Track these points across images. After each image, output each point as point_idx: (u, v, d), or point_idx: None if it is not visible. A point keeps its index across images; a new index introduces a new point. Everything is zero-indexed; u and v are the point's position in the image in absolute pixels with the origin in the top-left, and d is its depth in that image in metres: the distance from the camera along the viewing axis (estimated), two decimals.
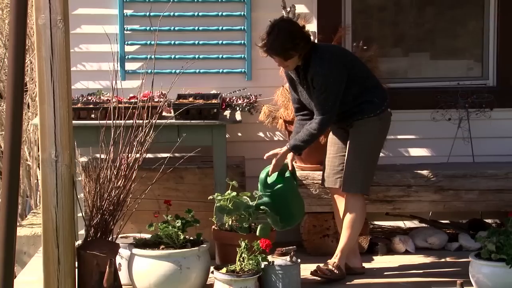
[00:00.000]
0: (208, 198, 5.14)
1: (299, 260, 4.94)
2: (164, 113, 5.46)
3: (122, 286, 4.72)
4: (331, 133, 5.35)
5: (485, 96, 6.18)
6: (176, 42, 6.11)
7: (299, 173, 5.56)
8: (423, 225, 6.17)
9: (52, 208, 4.31)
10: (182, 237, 4.92)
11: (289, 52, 4.98)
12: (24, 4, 4.18)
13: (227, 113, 5.80)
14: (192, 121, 5.37)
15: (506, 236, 4.78)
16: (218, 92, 5.92)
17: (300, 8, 5.94)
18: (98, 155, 4.91)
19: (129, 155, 4.87)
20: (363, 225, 5.36)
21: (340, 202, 5.31)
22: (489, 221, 6.19)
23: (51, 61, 4.24)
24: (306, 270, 5.16)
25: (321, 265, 5.19)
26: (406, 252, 5.88)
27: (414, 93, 6.27)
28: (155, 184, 5.12)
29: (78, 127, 5.12)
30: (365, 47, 5.98)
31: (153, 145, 4.99)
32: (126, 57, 6.10)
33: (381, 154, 5.36)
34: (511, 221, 4.91)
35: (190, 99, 5.64)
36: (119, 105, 5.06)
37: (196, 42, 6.12)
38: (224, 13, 6.10)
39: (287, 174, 5.21)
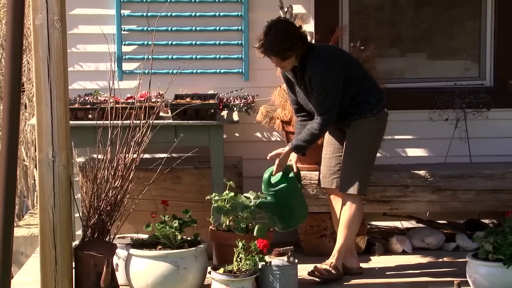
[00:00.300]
0: (206, 199, 5.14)
1: (296, 261, 4.94)
2: (161, 114, 5.45)
3: (119, 286, 4.71)
4: (327, 133, 5.35)
5: (482, 96, 6.18)
6: (174, 43, 6.11)
7: None
8: (420, 225, 6.17)
9: (49, 209, 4.31)
10: (179, 237, 4.92)
11: (287, 52, 4.98)
12: (21, 4, 4.17)
13: (224, 113, 5.80)
14: (189, 121, 5.37)
15: (503, 236, 4.78)
16: (216, 93, 5.92)
17: (297, 9, 5.94)
18: (95, 156, 4.91)
19: (126, 155, 4.86)
20: (360, 225, 5.36)
21: (337, 202, 5.31)
22: (486, 221, 6.19)
23: (48, 61, 4.24)
24: (304, 270, 5.16)
25: (318, 265, 5.19)
26: (403, 252, 5.88)
27: (411, 94, 6.27)
28: (153, 184, 5.12)
29: (75, 127, 5.12)
30: (362, 48, 5.98)
31: (150, 146, 4.98)
32: (123, 57, 6.10)
33: (378, 154, 5.37)
34: (508, 221, 4.92)
35: (188, 99, 5.64)
36: (116, 105, 5.05)
37: (193, 42, 6.13)
38: (221, 14, 6.10)
39: (291, 175, 5.21)
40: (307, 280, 5.16)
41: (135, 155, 4.89)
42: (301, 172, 5.43)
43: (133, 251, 4.89)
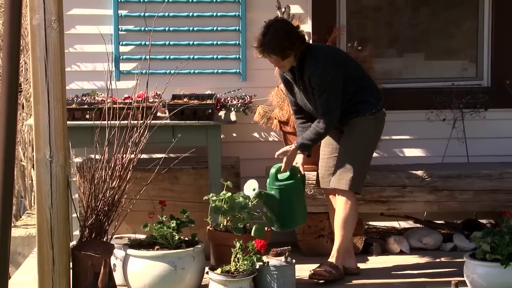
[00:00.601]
0: (203, 199, 5.14)
1: (294, 261, 4.93)
2: (158, 114, 5.46)
3: (117, 286, 4.70)
4: None
5: (480, 96, 6.18)
6: (171, 43, 6.11)
7: None
8: (418, 225, 6.17)
9: (47, 209, 4.31)
10: (177, 237, 4.92)
11: (286, 51, 4.98)
12: (19, 5, 4.17)
13: (222, 113, 5.80)
14: (186, 121, 5.37)
15: (501, 236, 4.78)
16: (213, 93, 5.92)
17: (295, 9, 5.94)
18: (92, 156, 4.91)
19: (124, 155, 4.86)
20: (357, 225, 5.36)
21: (335, 202, 5.30)
22: (483, 221, 6.19)
23: (46, 61, 4.23)
24: (301, 270, 5.16)
25: (317, 267, 5.17)
26: (401, 253, 5.88)
27: (409, 94, 6.27)
28: (150, 184, 5.11)
29: (73, 127, 5.12)
30: (359, 48, 5.98)
31: (148, 146, 4.98)
32: (121, 57, 6.10)
33: (375, 154, 5.37)
34: (505, 221, 4.92)
35: (185, 99, 5.64)
36: (114, 105, 5.05)
37: (191, 42, 6.12)
38: (219, 14, 6.10)
39: (298, 176, 5.21)
40: (305, 280, 5.16)
41: (132, 155, 4.89)
42: None
43: (130, 251, 4.89)
